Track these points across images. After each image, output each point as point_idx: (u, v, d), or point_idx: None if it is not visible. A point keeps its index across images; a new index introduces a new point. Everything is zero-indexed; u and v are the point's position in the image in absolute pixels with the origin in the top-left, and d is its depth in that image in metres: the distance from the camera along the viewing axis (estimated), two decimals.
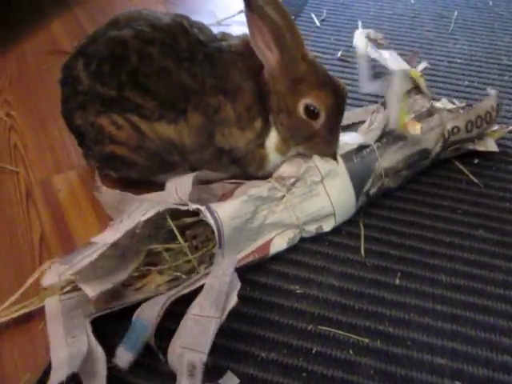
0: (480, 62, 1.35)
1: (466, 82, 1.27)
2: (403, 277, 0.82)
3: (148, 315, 0.67)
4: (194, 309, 0.63)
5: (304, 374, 0.69)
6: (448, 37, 1.46)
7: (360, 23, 1.47)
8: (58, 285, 0.76)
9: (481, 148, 1.02)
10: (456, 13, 1.57)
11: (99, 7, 1.70)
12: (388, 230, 0.89)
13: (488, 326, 0.75)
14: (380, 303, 0.78)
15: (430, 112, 0.93)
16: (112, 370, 0.67)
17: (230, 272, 0.63)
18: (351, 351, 0.72)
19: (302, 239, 0.86)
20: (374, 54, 0.96)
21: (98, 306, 0.72)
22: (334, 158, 0.84)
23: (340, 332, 0.74)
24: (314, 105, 0.80)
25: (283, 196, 0.81)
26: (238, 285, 0.64)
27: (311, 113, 0.81)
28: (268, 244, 0.80)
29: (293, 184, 0.82)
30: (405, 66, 0.98)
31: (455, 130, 0.93)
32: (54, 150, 1.09)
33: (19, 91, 1.29)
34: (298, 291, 0.79)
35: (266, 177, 0.86)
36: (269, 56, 0.80)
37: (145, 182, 0.94)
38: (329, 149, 0.84)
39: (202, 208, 0.73)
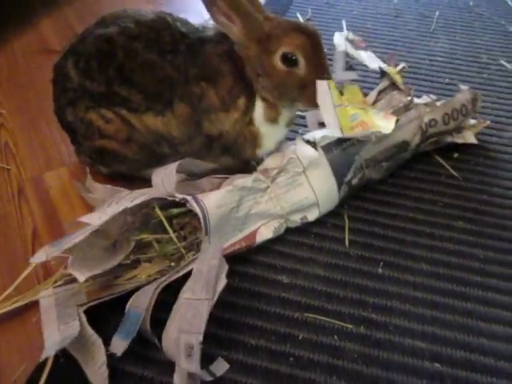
0: (460, 60, 1.39)
1: (447, 80, 1.31)
2: (385, 266, 0.85)
3: (140, 303, 0.70)
4: (186, 293, 0.66)
5: (291, 359, 0.72)
6: (429, 36, 1.50)
7: (344, 22, 1.49)
8: (49, 281, 0.79)
9: (460, 140, 1.06)
10: (437, 12, 1.61)
11: (88, 6, 1.71)
12: (371, 221, 0.92)
13: (466, 312, 0.79)
14: (363, 291, 0.81)
15: (407, 106, 0.97)
16: (108, 359, 0.69)
17: (217, 255, 0.66)
18: (336, 337, 0.75)
19: (288, 231, 0.89)
20: (351, 50, 1.00)
21: (91, 296, 0.74)
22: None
23: (325, 319, 0.77)
24: (289, 51, 0.81)
25: (267, 187, 0.84)
26: (226, 267, 0.67)
27: (290, 61, 0.82)
28: (254, 233, 0.83)
29: (276, 174, 0.84)
30: (379, 63, 1.02)
31: (432, 122, 0.97)
32: (45, 148, 1.11)
33: (9, 90, 1.30)
34: (284, 281, 0.82)
35: (254, 170, 0.89)
36: (232, 27, 0.82)
37: (136, 180, 0.96)
38: None
39: (189, 198, 0.76)
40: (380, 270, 0.84)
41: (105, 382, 0.67)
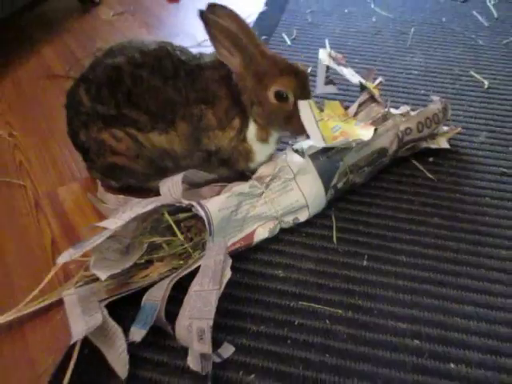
0: (434, 73, 1.52)
1: (423, 91, 1.43)
2: (370, 259, 0.95)
3: (155, 296, 0.79)
4: (195, 286, 0.75)
5: (289, 341, 0.82)
6: (406, 51, 1.63)
7: (327, 41, 1.62)
8: (71, 282, 0.89)
9: (434, 146, 1.17)
10: (413, 29, 1.74)
11: (85, 32, 1.84)
12: (356, 221, 1.03)
13: (441, 296, 0.89)
14: (351, 281, 0.91)
15: (385, 117, 1.08)
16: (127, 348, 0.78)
17: (222, 251, 0.76)
18: (327, 321, 0.85)
19: (282, 231, 0.99)
20: (334, 65, 1.12)
21: (110, 293, 0.84)
22: None
23: (318, 306, 0.87)
24: (281, 90, 0.94)
25: (262, 192, 0.94)
26: (230, 261, 0.77)
27: (281, 97, 0.95)
28: (252, 234, 0.94)
29: (270, 181, 0.95)
30: (359, 78, 1.14)
31: (408, 130, 1.09)
32: (56, 165, 1.21)
33: (18, 113, 1.40)
34: (281, 275, 0.92)
35: (249, 177, 1.00)
36: (232, 60, 0.94)
37: (143, 191, 1.06)
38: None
39: (194, 203, 0.86)
40: (365, 263, 0.95)
41: (126, 366, 0.76)
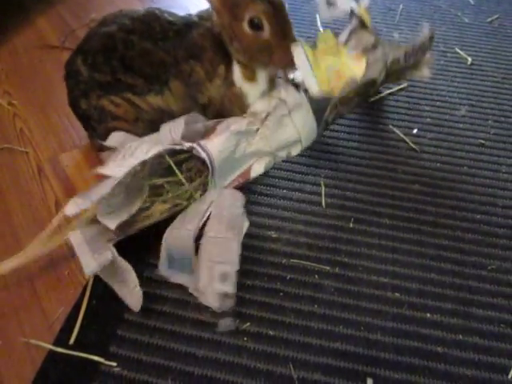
0: None
1: None
2: (356, 222, 1.03)
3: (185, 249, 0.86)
4: (210, 232, 0.81)
5: (281, 294, 0.90)
6: (394, 27, 1.67)
7: (318, 17, 1.67)
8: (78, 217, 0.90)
9: (417, 74, 1.20)
10: (401, 6, 1.79)
11: (80, 3, 1.84)
12: (343, 187, 1.10)
13: (420, 254, 0.97)
14: (338, 241, 0.99)
15: (375, 45, 1.08)
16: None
17: (240, 205, 0.82)
18: (316, 276, 0.93)
19: (274, 197, 1.06)
20: None
21: (116, 232, 0.88)
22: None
23: (307, 263, 0.94)
24: (254, 16, 0.93)
25: (258, 129, 0.98)
26: (247, 221, 0.88)
27: (255, 25, 0.93)
28: (249, 170, 0.99)
29: (265, 118, 0.98)
30: (351, 3, 1.13)
31: (395, 60, 1.11)
32: (57, 133, 1.25)
33: (16, 83, 1.43)
34: (273, 236, 0.99)
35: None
36: None
37: None
38: (287, 55, 0.95)
39: (195, 145, 0.90)
40: (351, 225, 1.02)
41: (139, 300, 0.82)
